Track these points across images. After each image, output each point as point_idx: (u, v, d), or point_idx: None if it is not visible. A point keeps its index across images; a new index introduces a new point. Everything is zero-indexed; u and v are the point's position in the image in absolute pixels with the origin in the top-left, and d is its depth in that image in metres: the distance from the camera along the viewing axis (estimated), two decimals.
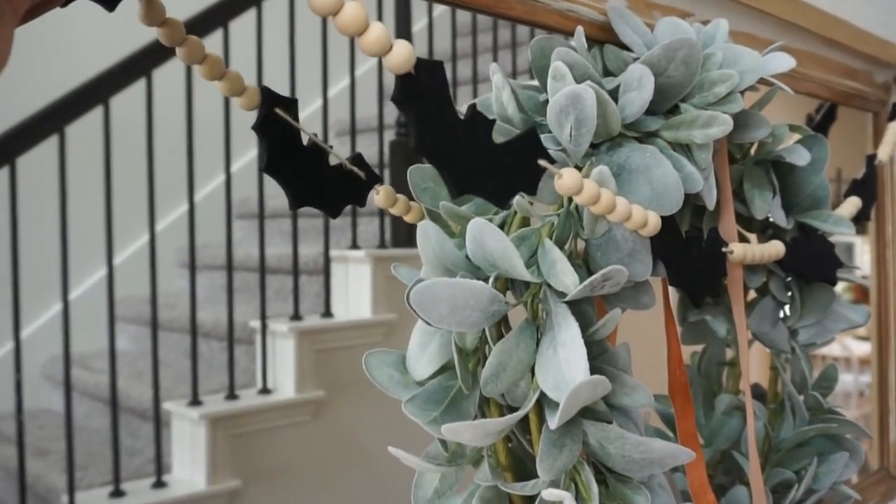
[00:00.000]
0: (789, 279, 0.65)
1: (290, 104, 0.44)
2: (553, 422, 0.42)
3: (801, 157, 0.59)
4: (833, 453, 0.63)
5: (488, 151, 0.38)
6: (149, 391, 1.78)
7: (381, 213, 2.00)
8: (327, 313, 1.94)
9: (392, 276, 1.79)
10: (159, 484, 1.60)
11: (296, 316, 1.87)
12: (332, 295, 1.96)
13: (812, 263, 0.60)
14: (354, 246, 1.99)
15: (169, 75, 1.67)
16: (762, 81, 0.55)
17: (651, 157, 0.47)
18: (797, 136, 0.64)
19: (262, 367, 1.83)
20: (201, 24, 1.64)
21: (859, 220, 0.73)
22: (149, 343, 2.03)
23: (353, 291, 1.98)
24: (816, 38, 0.77)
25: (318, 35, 1.90)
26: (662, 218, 0.46)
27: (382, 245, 1.99)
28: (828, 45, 0.80)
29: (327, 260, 1.96)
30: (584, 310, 0.46)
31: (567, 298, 0.44)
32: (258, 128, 0.43)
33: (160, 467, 1.62)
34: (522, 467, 0.50)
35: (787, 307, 0.67)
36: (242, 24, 1.79)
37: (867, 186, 0.74)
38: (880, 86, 0.91)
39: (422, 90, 0.36)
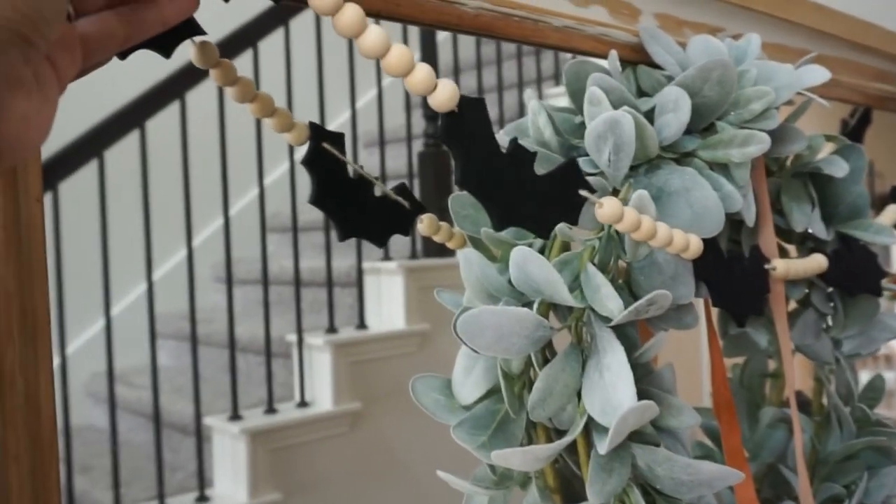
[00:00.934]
0: (831, 290, 0.65)
1: (337, 138, 0.45)
2: (602, 447, 0.43)
3: (840, 169, 0.59)
4: (884, 466, 0.62)
5: (530, 184, 0.39)
6: (189, 406, 1.80)
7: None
8: (361, 325, 1.95)
9: (424, 286, 1.80)
10: (202, 499, 1.63)
11: (331, 329, 1.89)
12: (366, 307, 1.98)
13: (855, 275, 0.60)
14: (387, 258, 2.00)
15: (201, 97, 1.70)
16: (797, 94, 0.55)
17: (690, 179, 0.47)
18: (832, 146, 0.63)
19: (299, 381, 1.85)
20: (232, 45, 1.67)
21: None
22: (187, 358, 2.06)
23: (387, 303, 2.00)
24: (847, 43, 0.77)
25: (344, 48, 1.92)
26: (703, 240, 0.46)
27: (414, 256, 2.00)
28: (859, 49, 0.80)
29: (360, 272, 1.98)
30: (629, 333, 0.46)
31: (612, 323, 0.44)
32: (307, 163, 0.44)
33: (202, 482, 1.65)
34: (570, 488, 0.51)
35: (829, 318, 0.67)
36: (271, 43, 1.81)
37: None
38: None
39: (466, 127, 0.36)
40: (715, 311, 0.69)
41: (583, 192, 0.40)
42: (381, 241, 0.48)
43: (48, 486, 0.31)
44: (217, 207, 1.79)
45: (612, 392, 0.43)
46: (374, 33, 0.32)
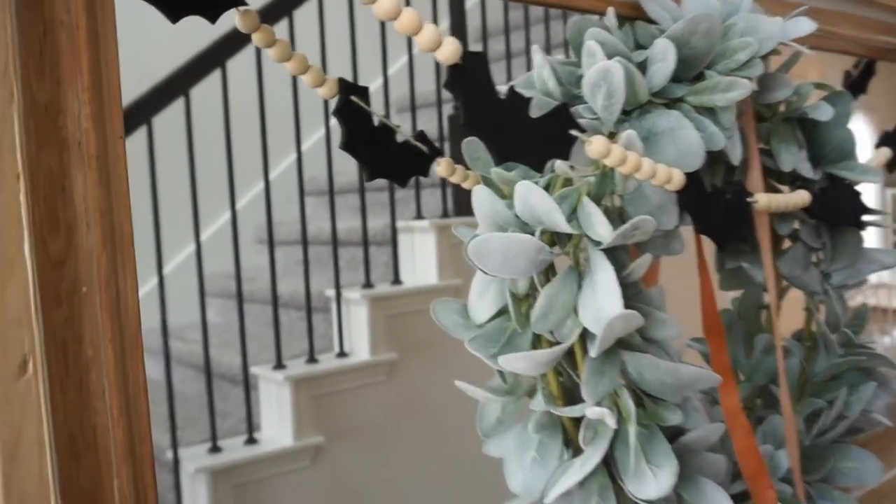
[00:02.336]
0: (819, 226, 0.71)
1: (363, 91, 0.52)
2: (594, 350, 0.50)
3: (824, 113, 0.64)
4: (864, 384, 0.69)
5: (526, 125, 0.46)
6: (237, 358, 1.91)
7: (444, 185, 2.08)
8: (396, 281, 2.03)
9: (456, 243, 1.89)
10: (251, 441, 1.74)
11: (367, 284, 1.97)
12: (400, 263, 2.06)
13: (838, 210, 0.66)
14: (419, 216, 2.08)
15: (241, 65, 1.77)
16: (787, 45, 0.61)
17: (675, 121, 0.53)
18: (821, 93, 0.69)
19: (338, 333, 1.94)
20: (269, 13, 1.74)
21: (892, 169, 0.78)
22: (233, 315, 2.17)
23: (420, 259, 2.08)
24: None
25: (375, 18, 1.97)
26: (687, 174, 0.53)
27: (445, 214, 2.08)
28: (859, 3, 0.84)
29: (394, 231, 2.06)
30: (619, 256, 0.53)
31: (603, 246, 0.51)
32: (338, 113, 0.51)
33: (251, 426, 1.76)
34: (571, 397, 0.58)
35: (820, 253, 0.73)
36: (306, 12, 1.87)
37: None
38: None
39: (468, 77, 0.43)
40: (712, 249, 0.75)
41: (574, 132, 0.47)
42: (403, 181, 0.55)
43: (136, 371, 0.39)
44: (258, 172, 1.88)
45: (601, 304, 0.49)
46: (387, 0, 0.39)
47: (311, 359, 1.87)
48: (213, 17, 0.43)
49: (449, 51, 0.42)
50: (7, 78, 0.33)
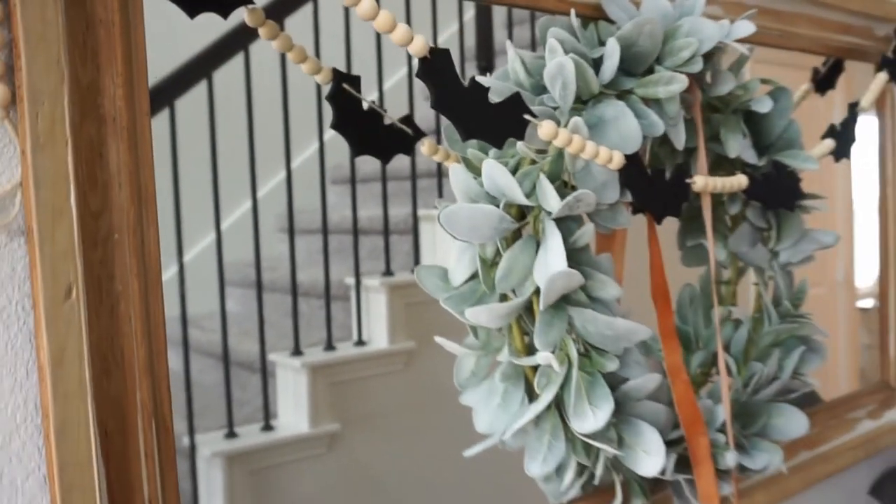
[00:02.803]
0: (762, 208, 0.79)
1: (355, 80, 0.61)
2: (542, 304, 0.59)
3: (764, 105, 0.72)
4: (797, 348, 0.77)
5: (486, 109, 0.54)
6: (255, 346, 1.92)
7: None
8: None
9: None
10: (267, 427, 1.77)
11: (387, 272, 1.99)
12: (421, 252, 2.07)
13: (775, 193, 0.74)
14: None
15: (265, 48, 1.82)
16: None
17: (619, 111, 0.62)
18: (767, 88, 0.77)
19: (356, 320, 1.96)
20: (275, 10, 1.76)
21: (838, 158, 0.86)
22: (253, 304, 2.16)
23: (441, 248, 2.10)
24: (804, 1, 0.89)
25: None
26: (628, 156, 0.61)
27: None
28: (819, 6, 0.92)
29: (416, 219, 2.06)
30: (569, 226, 0.61)
31: (553, 216, 0.59)
32: (330, 97, 0.60)
33: (267, 413, 1.78)
34: (533, 352, 0.67)
35: (771, 233, 0.81)
36: (302, 16, 1.87)
37: (846, 130, 0.86)
38: (881, 38, 1.02)
39: (435, 68, 0.52)
40: (675, 229, 0.83)
41: (526, 116, 0.56)
42: (387, 159, 0.64)
43: (156, 304, 0.48)
44: (279, 160, 1.88)
45: (549, 263, 0.58)
46: (366, 3, 0.48)
47: (329, 346, 1.88)
48: (224, 13, 0.52)
49: (418, 46, 0.50)
50: (59, 65, 0.42)
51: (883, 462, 1.06)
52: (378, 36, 2.00)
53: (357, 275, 1.94)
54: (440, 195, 2.06)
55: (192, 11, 0.50)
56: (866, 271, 1.20)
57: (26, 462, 0.45)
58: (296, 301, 1.87)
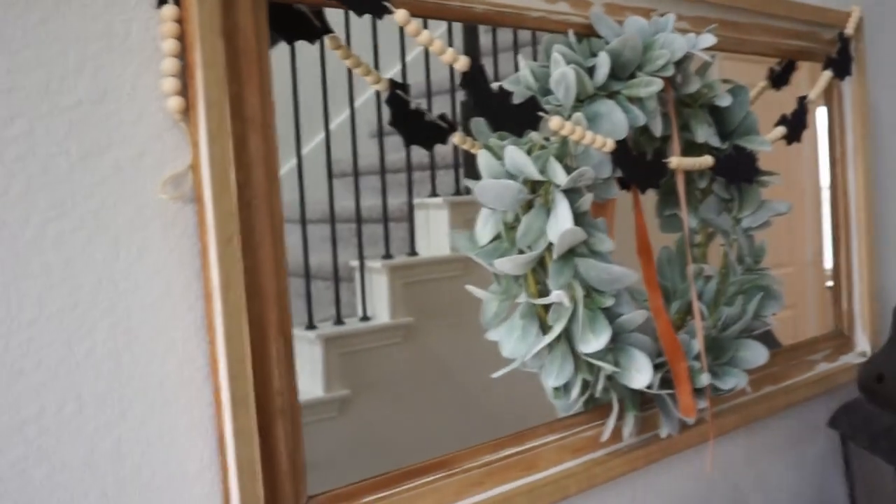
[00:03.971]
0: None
1: (406, 87, 0.79)
2: (555, 254, 0.77)
3: (725, 101, 0.92)
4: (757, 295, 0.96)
5: (510, 108, 0.73)
6: None
7: (456, 166, 2.35)
8: (413, 252, 2.31)
9: (469, 218, 2.16)
10: None
11: (387, 255, 2.22)
12: (416, 236, 2.31)
13: (736, 170, 0.93)
14: (434, 194, 2.35)
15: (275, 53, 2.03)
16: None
17: (610, 107, 0.80)
18: (728, 86, 0.96)
19: (361, 299, 2.18)
20: None
21: (790, 142, 1.05)
22: None
23: (434, 233, 2.34)
24: (756, 13, 1.08)
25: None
26: (618, 142, 0.80)
27: (457, 193, 2.35)
28: (771, 17, 1.11)
29: (411, 208, 2.30)
30: (573, 196, 0.80)
31: (561, 188, 0.78)
32: (389, 101, 0.79)
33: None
34: (544, 296, 0.85)
35: (734, 204, 1.00)
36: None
37: (797, 119, 1.05)
38: (827, 41, 1.21)
39: (474, 79, 0.71)
40: (654, 200, 1.02)
41: (540, 113, 0.74)
42: (429, 147, 0.83)
43: (279, 248, 0.66)
44: (287, 154, 2.10)
45: (559, 224, 0.77)
46: (425, 35, 0.66)
47: (339, 321, 2.11)
48: (312, 41, 0.71)
49: (463, 64, 0.69)
50: (222, 83, 0.61)
51: (839, 398, 1.25)
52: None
53: (361, 257, 2.16)
54: (433, 186, 2.30)
55: (290, 39, 0.69)
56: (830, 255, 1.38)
57: (195, 362, 0.63)
58: (308, 281, 2.08)
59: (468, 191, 2.54)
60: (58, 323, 0.58)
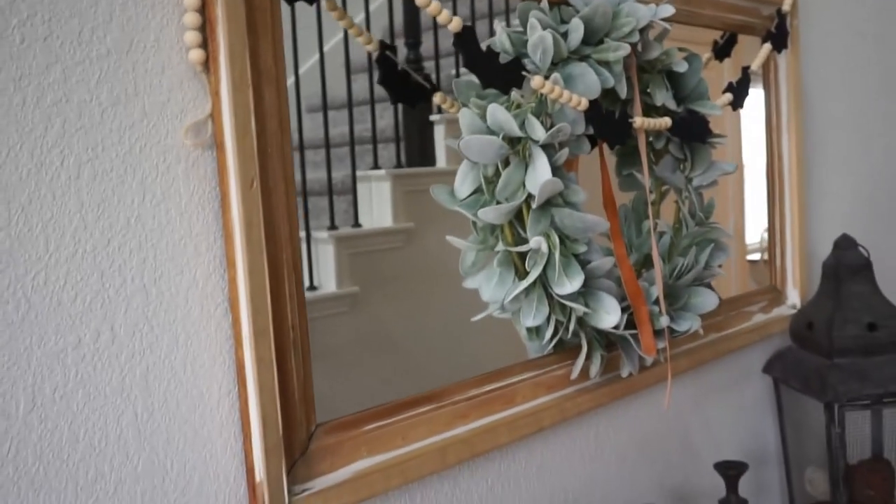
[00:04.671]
0: (684, 144, 1.06)
1: (393, 49, 0.85)
2: (535, 203, 0.84)
3: (681, 66, 1.00)
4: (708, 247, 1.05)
5: (498, 67, 0.79)
6: None
7: (397, 139, 2.41)
8: (356, 224, 2.36)
9: (409, 190, 2.25)
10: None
11: (332, 227, 2.27)
12: (360, 209, 2.36)
13: (690, 131, 1.01)
14: (376, 167, 2.40)
15: None
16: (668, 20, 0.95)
17: (582, 69, 0.87)
18: (683, 54, 1.04)
19: (308, 269, 2.24)
20: None
21: (735, 108, 1.14)
22: None
23: (377, 204, 2.40)
24: None
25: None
26: (591, 101, 0.87)
27: (399, 165, 2.41)
28: None
29: (354, 180, 2.36)
30: (550, 151, 0.87)
31: (540, 143, 0.85)
32: (378, 61, 0.84)
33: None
34: (520, 244, 0.92)
35: (686, 164, 1.09)
36: None
37: (741, 87, 1.14)
38: (766, 17, 1.31)
39: (465, 39, 0.76)
40: (613, 161, 1.09)
41: (524, 73, 0.81)
42: (414, 105, 0.88)
43: (291, 194, 0.71)
44: None
45: (538, 176, 0.84)
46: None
47: None
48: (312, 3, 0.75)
49: (455, 24, 0.75)
50: (243, 37, 0.65)
51: (773, 347, 1.37)
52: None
53: (307, 229, 2.20)
54: (375, 157, 2.37)
55: (290, 0, 0.73)
56: (753, 230, 1.48)
57: (215, 297, 0.68)
58: None
59: (409, 162, 2.62)
60: (92, 259, 0.62)
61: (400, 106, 2.62)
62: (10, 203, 0.57)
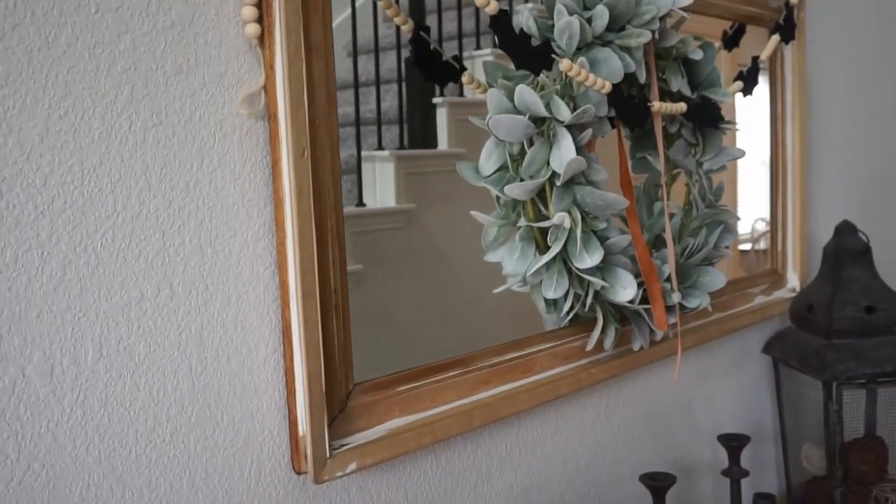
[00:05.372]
0: (696, 129, 1.11)
1: (426, 29, 0.88)
2: (559, 181, 0.88)
3: (696, 54, 1.04)
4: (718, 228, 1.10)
5: (529, 50, 0.83)
6: None
7: (401, 121, 2.44)
8: (360, 203, 2.39)
9: (411, 171, 2.30)
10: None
11: None
12: (364, 188, 2.40)
13: (704, 116, 1.06)
14: (380, 147, 2.44)
15: None
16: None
17: (606, 54, 0.91)
18: (698, 43, 1.08)
19: None
20: None
21: (745, 95, 1.19)
22: None
23: (381, 184, 2.44)
24: None
25: None
26: (614, 85, 0.91)
27: (402, 146, 2.44)
28: None
29: (359, 160, 2.40)
30: (574, 132, 0.91)
31: (565, 123, 0.89)
32: (412, 42, 0.88)
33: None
34: (541, 220, 0.96)
35: (697, 149, 1.13)
36: None
37: (751, 75, 1.19)
38: (774, 9, 1.35)
39: (500, 22, 0.80)
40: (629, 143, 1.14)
41: (553, 56, 0.85)
42: (443, 84, 0.92)
43: (335, 154, 0.75)
44: None
45: (562, 155, 0.88)
46: None
47: None
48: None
49: (492, 7, 0.79)
50: (298, 13, 0.69)
51: (772, 329, 1.42)
52: None
53: None
54: (379, 138, 2.41)
55: None
56: (744, 221, 1.53)
57: (264, 260, 0.72)
58: None
59: (412, 145, 2.66)
60: (155, 219, 0.66)
61: (404, 88, 2.66)
62: (83, 163, 0.61)
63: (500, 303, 1.02)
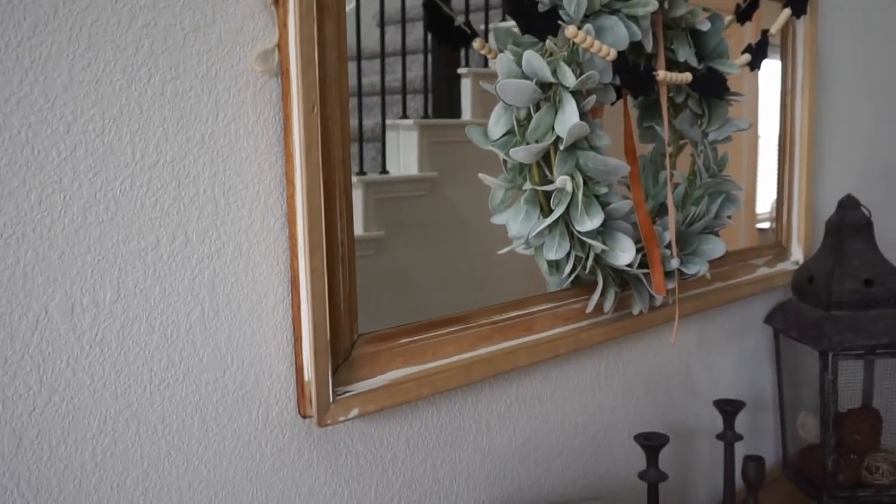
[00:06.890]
0: (702, 100, 1.12)
1: None
2: (562, 145, 0.91)
3: (704, 25, 1.05)
4: (720, 197, 1.12)
5: (536, 16, 0.85)
6: None
7: (426, 91, 2.46)
8: (384, 171, 2.42)
9: (434, 140, 2.32)
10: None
11: (361, 172, 2.34)
12: (388, 156, 2.44)
13: (709, 87, 1.07)
14: (404, 116, 2.46)
15: None
16: None
17: (613, 22, 0.93)
18: (707, 14, 1.09)
19: None
20: None
21: (752, 68, 1.20)
22: None
23: (404, 153, 2.47)
24: None
25: None
26: (619, 53, 0.93)
27: (426, 115, 2.47)
28: None
29: (384, 129, 2.42)
30: (578, 98, 0.93)
31: (570, 89, 0.91)
32: (425, 5, 0.90)
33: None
34: (546, 184, 0.99)
35: (703, 119, 1.15)
36: None
37: (760, 48, 1.20)
38: None
39: None
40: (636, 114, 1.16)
41: (560, 22, 0.87)
42: (457, 48, 0.95)
43: (344, 119, 0.78)
44: None
45: (566, 120, 0.90)
46: None
47: None
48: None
49: None
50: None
51: (775, 300, 1.44)
52: None
53: None
54: (404, 107, 2.43)
55: None
56: (764, 200, 1.54)
57: (275, 212, 0.75)
58: None
59: (437, 114, 2.68)
60: (171, 169, 0.69)
61: (429, 58, 2.69)
62: (104, 113, 0.64)
63: (520, 269, 1.06)
